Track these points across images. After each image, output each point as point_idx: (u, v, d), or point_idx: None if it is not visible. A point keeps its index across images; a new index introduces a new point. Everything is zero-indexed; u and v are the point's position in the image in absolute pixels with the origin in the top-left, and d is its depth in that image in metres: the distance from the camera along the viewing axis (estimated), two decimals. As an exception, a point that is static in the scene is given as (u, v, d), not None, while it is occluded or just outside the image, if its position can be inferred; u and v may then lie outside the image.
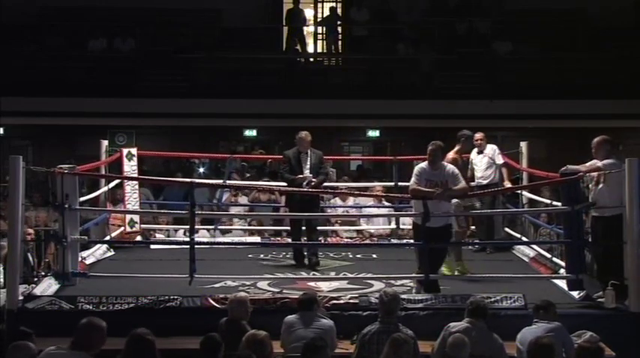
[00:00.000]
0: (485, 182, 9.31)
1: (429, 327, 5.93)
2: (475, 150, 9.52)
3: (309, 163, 8.73)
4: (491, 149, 9.49)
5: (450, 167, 7.27)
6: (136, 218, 9.84)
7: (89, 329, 4.83)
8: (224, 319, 5.79)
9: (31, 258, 8.14)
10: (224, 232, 10.64)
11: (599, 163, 7.12)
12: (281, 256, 9.20)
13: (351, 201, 10.98)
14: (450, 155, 8.01)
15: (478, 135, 9.51)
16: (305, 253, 8.73)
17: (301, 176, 8.64)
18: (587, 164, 7.27)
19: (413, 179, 7.18)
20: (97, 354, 4.85)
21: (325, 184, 9.13)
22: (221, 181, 10.51)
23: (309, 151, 8.79)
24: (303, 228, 8.79)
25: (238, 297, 5.97)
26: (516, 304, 6.59)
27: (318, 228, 9.24)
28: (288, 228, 10.36)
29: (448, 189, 7.04)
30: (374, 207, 10.95)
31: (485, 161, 9.41)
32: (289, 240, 9.99)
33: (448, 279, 7.41)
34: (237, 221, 10.84)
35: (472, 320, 5.63)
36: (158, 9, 16.31)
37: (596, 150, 7.26)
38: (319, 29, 16.83)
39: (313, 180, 8.63)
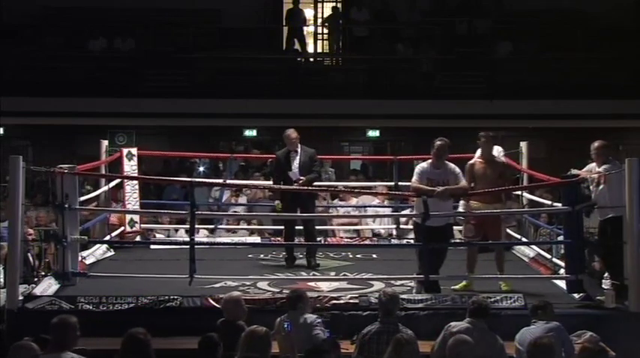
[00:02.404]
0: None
1: (429, 327, 5.94)
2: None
3: (297, 162, 8.61)
4: (496, 151, 9.49)
5: (453, 166, 7.28)
6: (136, 218, 9.84)
7: (64, 328, 4.86)
8: (221, 320, 5.76)
9: (31, 258, 8.14)
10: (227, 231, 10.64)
11: (600, 169, 7.12)
12: (281, 256, 9.18)
13: (353, 201, 10.98)
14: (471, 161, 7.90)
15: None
16: (301, 255, 8.72)
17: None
18: (586, 168, 7.30)
19: (414, 178, 7.22)
20: (95, 354, 4.87)
21: (326, 183, 9.07)
22: (221, 180, 10.52)
23: (298, 149, 8.66)
24: (299, 227, 8.78)
25: (234, 297, 5.92)
26: (516, 304, 6.60)
27: (316, 227, 9.19)
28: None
29: (448, 187, 7.05)
30: (376, 207, 10.94)
31: None
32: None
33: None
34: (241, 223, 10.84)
35: (473, 320, 5.62)
36: (158, 9, 16.31)
37: (596, 155, 7.26)
38: (319, 29, 16.84)
39: (301, 178, 8.51)
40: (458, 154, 10.51)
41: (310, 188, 8.52)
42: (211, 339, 4.98)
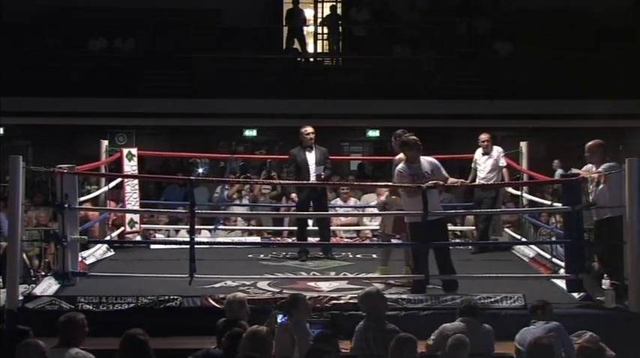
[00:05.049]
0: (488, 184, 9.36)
1: (429, 327, 5.93)
2: (479, 150, 9.56)
3: (314, 159, 8.80)
4: (497, 151, 9.52)
5: (429, 158, 7.23)
6: (136, 218, 9.84)
7: (72, 325, 4.92)
8: (222, 320, 5.75)
9: (25, 258, 8.11)
10: (227, 231, 10.64)
11: (599, 169, 7.11)
12: (281, 256, 9.20)
13: (352, 201, 10.99)
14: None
15: (484, 137, 9.55)
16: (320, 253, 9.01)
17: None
18: (585, 168, 7.29)
19: (397, 181, 7.18)
20: (95, 354, 4.88)
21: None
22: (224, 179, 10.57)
23: (313, 147, 8.87)
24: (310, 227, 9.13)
25: (238, 298, 5.90)
26: (516, 304, 6.59)
27: (317, 227, 9.38)
28: (289, 228, 10.48)
29: (437, 181, 7.01)
30: (375, 206, 10.93)
31: (490, 163, 9.44)
32: (289, 240, 10.07)
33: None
34: (239, 221, 10.83)
35: (465, 318, 5.68)
36: (158, 9, 16.34)
37: (590, 154, 7.24)
38: (319, 29, 16.86)
39: (322, 174, 8.74)
40: (458, 154, 10.59)
41: (332, 183, 9.05)
42: (238, 334, 4.97)
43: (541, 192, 10.97)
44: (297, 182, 8.90)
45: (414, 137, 7.24)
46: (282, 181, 11.20)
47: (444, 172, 7.21)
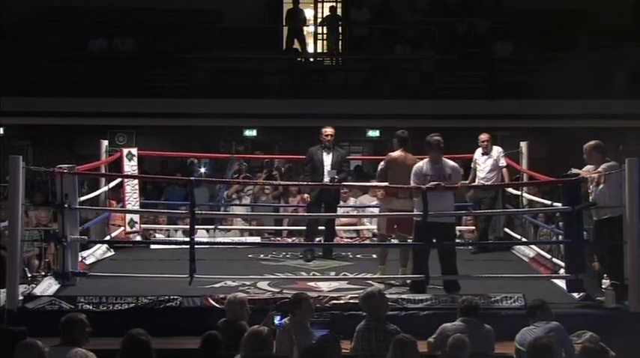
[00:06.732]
0: (488, 184, 9.35)
1: (429, 327, 5.93)
2: (479, 150, 9.56)
3: (330, 160, 8.84)
4: (496, 151, 9.53)
5: (452, 162, 7.31)
6: (136, 218, 9.84)
7: (73, 325, 4.95)
8: (222, 320, 5.76)
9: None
10: (225, 231, 10.64)
11: (599, 169, 7.10)
12: (281, 256, 9.20)
13: (351, 201, 10.98)
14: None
15: (483, 137, 9.55)
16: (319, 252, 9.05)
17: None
18: (586, 168, 7.28)
19: (411, 179, 7.22)
20: (95, 354, 4.89)
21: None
22: (225, 179, 10.56)
23: (332, 149, 8.92)
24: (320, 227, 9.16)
25: (239, 298, 5.91)
26: (516, 304, 6.60)
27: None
28: (289, 227, 10.47)
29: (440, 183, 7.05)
30: (374, 207, 10.92)
31: (489, 163, 9.44)
32: (289, 240, 10.06)
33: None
34: (238, 221, 10.83)
35: (466, 318, 5.68)
36: (158, 9, 16.34)
37: (588, 156, 7.24)
38: (319, 29, 16.86)
39: (336, 177, 8.75)
40: (458, 154, 10.58)
41: (342, 183, 8.93)
42: (214, 337, 4.97)
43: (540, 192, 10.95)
44: (304, 183, 8.98)
45: (438, 138, 7.28)
46: (282, 182, 11.20)
47: (459, 176, 7.34)
